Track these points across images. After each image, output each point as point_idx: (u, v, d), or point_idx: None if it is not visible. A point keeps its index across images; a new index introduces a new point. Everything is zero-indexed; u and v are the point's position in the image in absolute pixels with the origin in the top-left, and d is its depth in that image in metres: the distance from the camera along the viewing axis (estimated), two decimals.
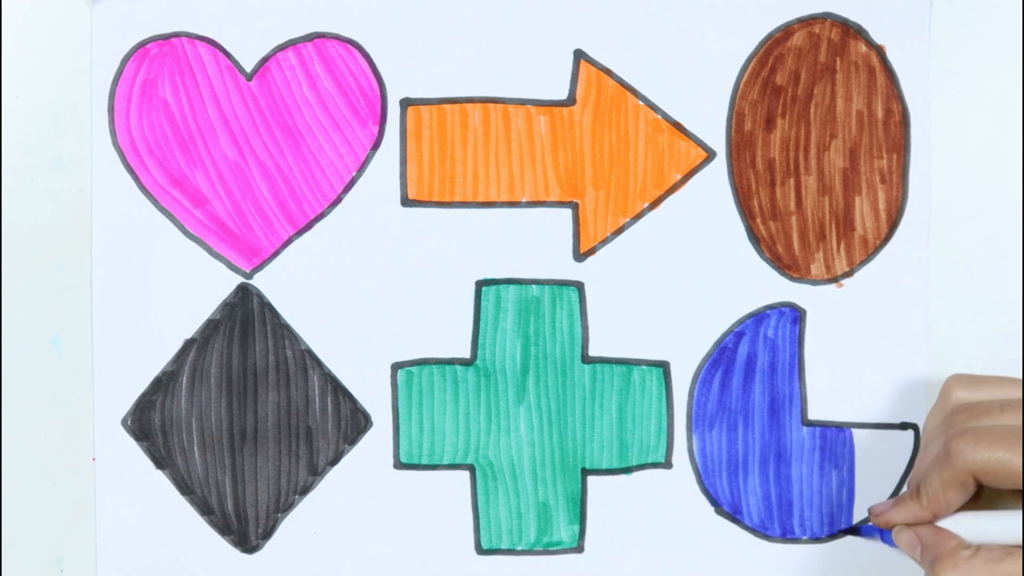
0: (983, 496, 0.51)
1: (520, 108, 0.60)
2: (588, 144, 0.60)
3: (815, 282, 0.60)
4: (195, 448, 0.60)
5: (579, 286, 0.60)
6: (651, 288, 0.60)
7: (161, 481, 0.60)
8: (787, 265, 0.60)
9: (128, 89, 0.59)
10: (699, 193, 0.60)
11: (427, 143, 0.60)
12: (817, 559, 0.60)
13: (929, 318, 0.59)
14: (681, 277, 0.60)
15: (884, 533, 0.54)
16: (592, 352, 0.60)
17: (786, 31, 0.59)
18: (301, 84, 0.60)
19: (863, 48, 0.59)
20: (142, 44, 0.59)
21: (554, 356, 0.60)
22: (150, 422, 0.60)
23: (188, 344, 0.60)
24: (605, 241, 0.60)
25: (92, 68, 0.59)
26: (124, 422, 0.60)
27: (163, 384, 0.60)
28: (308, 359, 0.60)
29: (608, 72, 0.59)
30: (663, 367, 0.60)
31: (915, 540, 0.52)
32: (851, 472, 0.59)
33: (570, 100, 0.59)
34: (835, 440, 0.60)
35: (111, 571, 0.60)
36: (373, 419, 0.60)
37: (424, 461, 0.60)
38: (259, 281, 0.60)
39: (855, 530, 0.59)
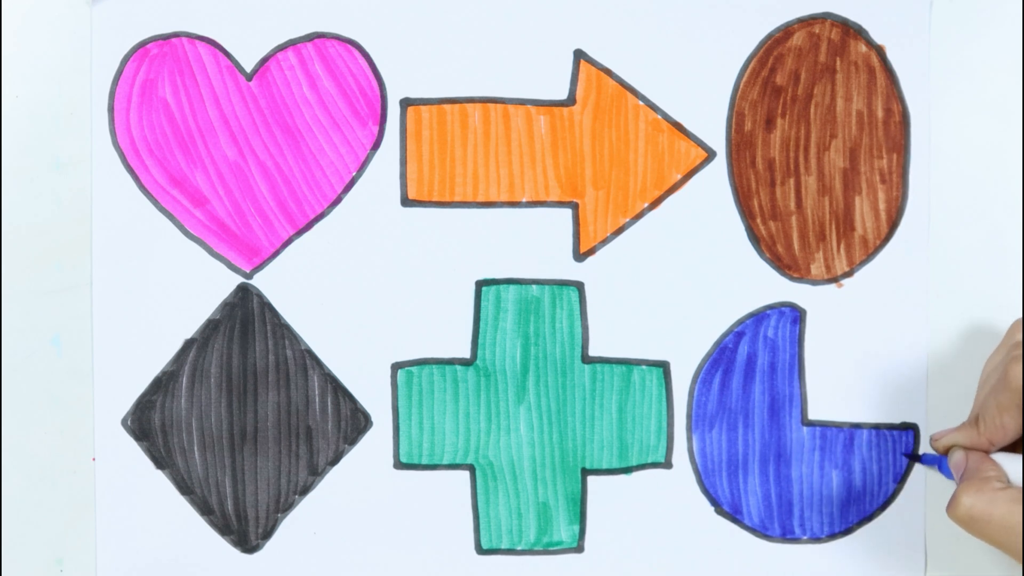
0: None
1: (520, 108, 0.60)
2: (588, 144, 0.60)
3: (815, 282, 0.60)
4: (195, 448, 0.60)
5: (579, 286, 0.60)
6: (651, 288, 0.60)
7: (161, 481, 0.60)
8: (787, 265, 0.60)
9: (128, 89, 0.59)
10: (699, 193, 0.60)
11: (427, 143, 0.60)
12: (817, 559, 0.60)
13: (929, 318, 0.59)
14: (681, 277, 0.60)
15: (943, 464, 0.55)
16: (592, 352, 0.60)
17: (786, 31, 0.59)
18: (301, 84, 0.60)
19: (863, 48, 0.59)
20: (142, 44, 0.59)
21: (554, 356, 0.60)
22: (150, 422, 0.60)
23: (188, 344, 0.60)
24: (605, 241, 0.60)
25: (92, 68, 0.59)
26: (124, 422, 0.60)
27: (163, 384, 0.60)
28: (308, 359, 0.60)
29: (608, 72, 0.59)
30: (663, 367, 0.60)
31: (962, 461, 0.53)
32: (851, 472, 0.59)
33: (570, 100, 0.59)
34: (835, 440, 0.60)
35: (111, 571, 0.60)
36: (373, 419, 0.60)
37: (424, 461, 0.60)
38: (259, 281, 0.60)
39: (917, 457, 0.59)
